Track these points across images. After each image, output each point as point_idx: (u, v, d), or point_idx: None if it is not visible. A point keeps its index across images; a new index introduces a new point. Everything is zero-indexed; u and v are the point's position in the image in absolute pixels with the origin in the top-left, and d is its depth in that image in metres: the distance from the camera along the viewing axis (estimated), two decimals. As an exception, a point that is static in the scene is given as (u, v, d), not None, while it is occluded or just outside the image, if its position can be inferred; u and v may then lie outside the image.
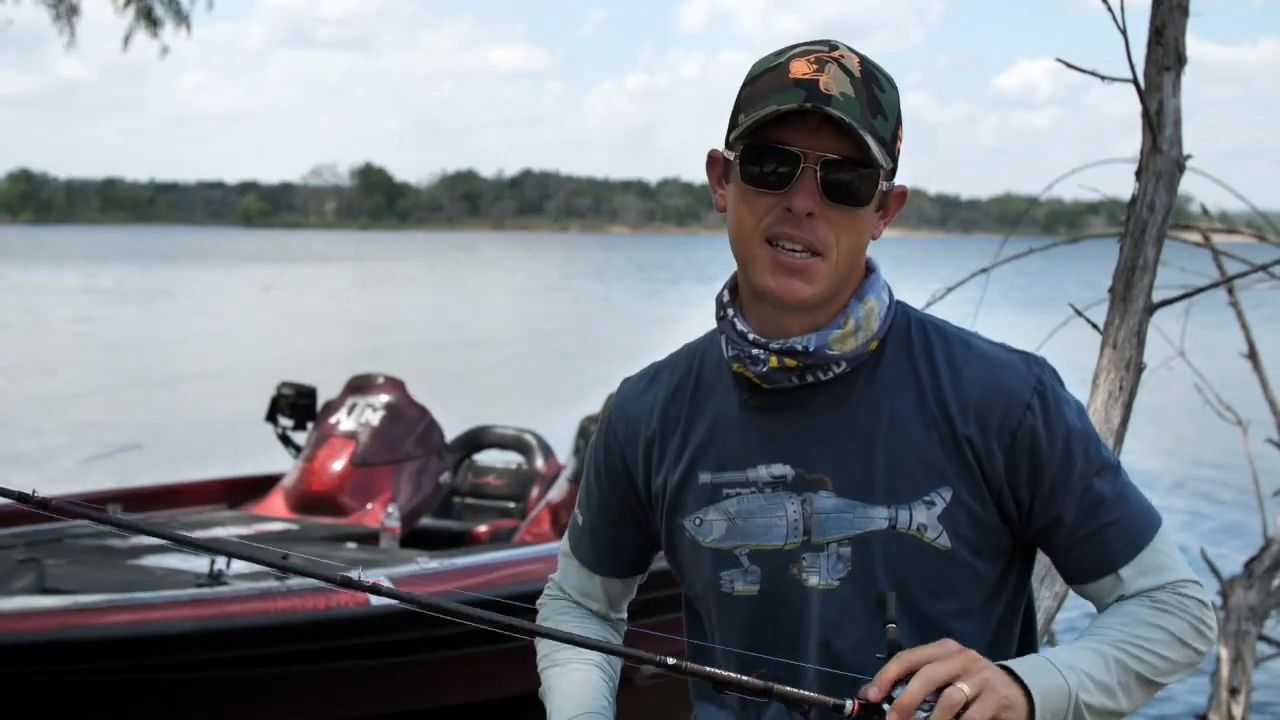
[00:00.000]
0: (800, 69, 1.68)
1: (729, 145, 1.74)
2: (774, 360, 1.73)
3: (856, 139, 1.66)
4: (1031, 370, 1.75)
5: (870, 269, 1.80)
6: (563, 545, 2.05)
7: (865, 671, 1.66)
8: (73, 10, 14.07)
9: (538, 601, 2.06)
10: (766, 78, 1.70)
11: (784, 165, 1.68)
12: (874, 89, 1.69)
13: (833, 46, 1.72)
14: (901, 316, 1.80)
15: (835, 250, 1.70)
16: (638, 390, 1.91)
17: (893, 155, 1.72)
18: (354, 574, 1.76)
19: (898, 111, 1.73)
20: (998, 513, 1.74)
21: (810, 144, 1.67)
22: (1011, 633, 1.82)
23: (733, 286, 1.82)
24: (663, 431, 1.86)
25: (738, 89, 1.75)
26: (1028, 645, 1.85)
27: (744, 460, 1.78)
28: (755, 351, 1.74)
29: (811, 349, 1.73)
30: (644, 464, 1.88)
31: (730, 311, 1.79)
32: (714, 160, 1.79)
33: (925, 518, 1.72)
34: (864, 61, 1.71)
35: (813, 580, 1.75)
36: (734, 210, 1.74)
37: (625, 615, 2.06)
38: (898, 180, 1.77)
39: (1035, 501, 1.73)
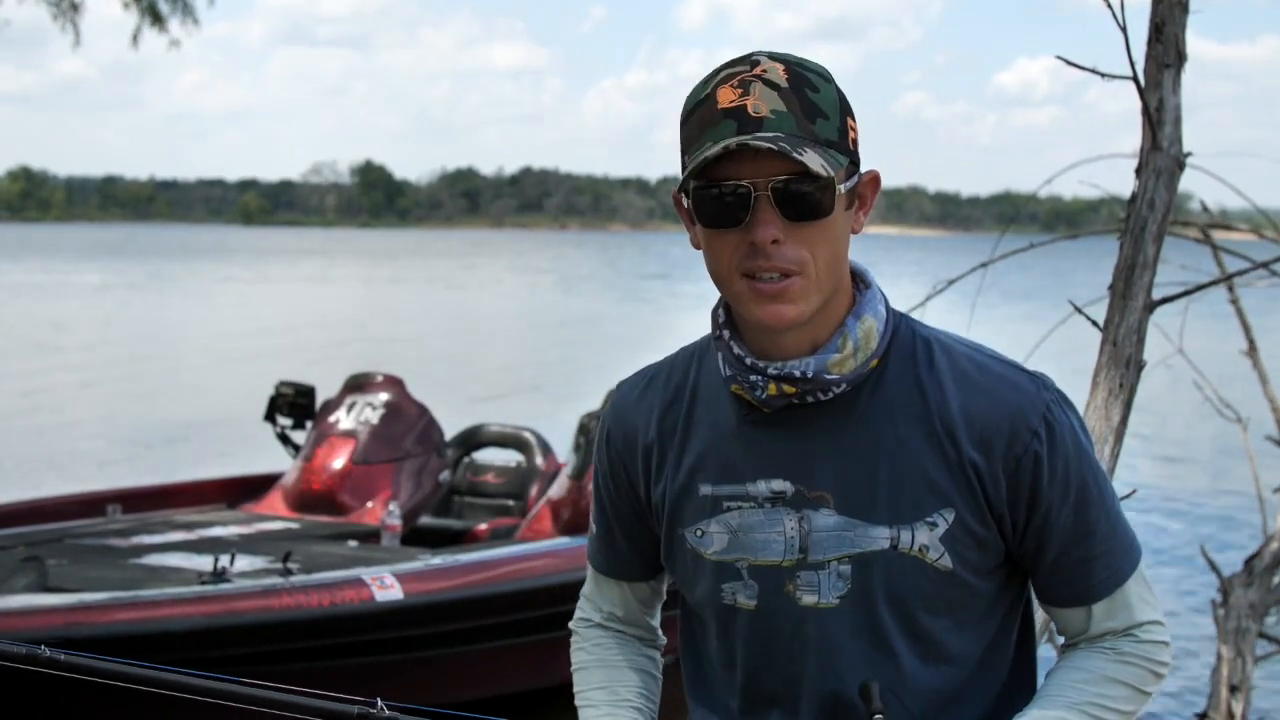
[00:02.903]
0: (726, 97, 1.64)
1: (684, 189, 1.70)
2: (773, 387, 1.71)
3: (795, 161, 1.61)
4: (1041, 395, 1.72)
5: (866, 284, 1.77)
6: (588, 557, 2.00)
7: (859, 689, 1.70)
8: (74, 8, 14.08)
9: (571, 624, 2.01)
10: (698, 113, 1.67)
11: (736, 201, 1.65)
12: (805, 93, 1.65)
13: (754, 62, 1.67)
14: (906, 331, 1.77)
15: (813, 265, 1.66)
16: (633, 396, 1.88)
17: (846, 150, 1.68)
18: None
19: (838, 103, 1.68)
20: (998, 533, 1.73)
21: (755, 172, 1.63)
22: (1009, 640, 1.82)
23: (727, 305, 1.78)
24: (660, 440, 1.83)
25: (679, 126, 1.71)
26: (1025, 651, 1.85)
27: (744, 474, 1.76)
28: (754, 378, 1.72)
29: (810, 374, 1.70)
30: (644, 472, 1.85)
31: (726, 333, 1.76)
32: (678, 201, 1.75)
33: (927, 538, 1.71)
34: (790, 67, 1.66)
35: (808, 599, 1.73)
36: (706, 252, 1.71)
37: (659, 620, 2.01)
38: (867, 165, 1.74)
39: (1030, 526, 1.73)
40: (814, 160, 1.61)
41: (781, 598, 1.74)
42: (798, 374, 1.70)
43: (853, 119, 1.71)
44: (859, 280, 1.77)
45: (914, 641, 1.73)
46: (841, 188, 1.67)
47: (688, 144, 1.68)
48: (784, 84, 1.65)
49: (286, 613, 5.24)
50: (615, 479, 1.88)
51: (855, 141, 1.71)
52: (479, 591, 5.92)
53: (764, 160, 1.63)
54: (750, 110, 1.63)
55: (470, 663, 6.12)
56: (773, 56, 1.67)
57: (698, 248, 1.74)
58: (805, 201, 1.64)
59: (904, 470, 1.71)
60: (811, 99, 1.65)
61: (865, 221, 1.75)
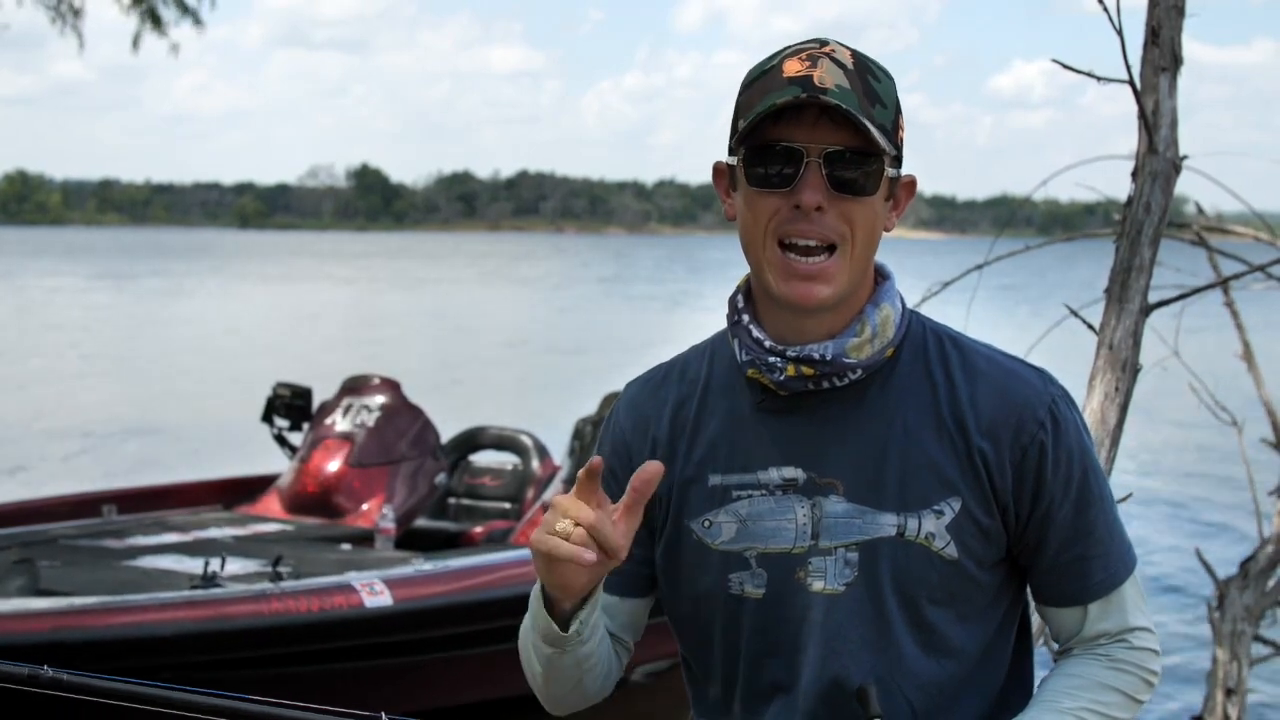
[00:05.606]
0: (793, 67, 1.69)
1: (732, 151, 1.74)
2: (791, 369, 1.73)
3: (856, 126, 1.66)
4: (1048, 389, 1.76)
5: (885, 275, 1.80)
6: None
7: (864, 677, 1.71)
8: (74, 11, 14.06)
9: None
10: (761, 81, 1.71)
11: (788, 163, 1.68)
12: (869, 79, 1.70)
13: (824, 43, 1.73)
14: (918, 325, 1.81)
15: (849, 242, 1.70)
16: (646, 391, 1.88)
17: (895, 143, 1.72)
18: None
19: (895, 100, 1.73)
20: (1001, 524, 1.75)
21: (811, 138, 1.67)
22: (1007, 641, 1.83)
23: (746, 290, 1.81)
24: (672, 432, 1.83)
25: (735, 97, 1.75)
26: (1022, 655, 1.86)
27: (755, 462, 1.77)
28: (772, 360, 1.74)
29: (829, 357, 1.72)
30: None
31: (745, 317, 1.78)
32: (719, 171, 1.79)
33: (934, 527, 1.72)
34: (856, 54, 1.72)
35: (817, 585, 1.74)
36: (743, 215, 1.74)
37: (631, 644, 1.93)
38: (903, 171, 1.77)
39: (1032, 518, 1.75)
40: (875, 131, 1.66)
41: (791, 584, 1.75)
42: (816, 356, 1.72)
43: (903, 119, 1.75)
44: (878, 273, 1.81)
45: (917, 631, 1.74)
46: (889, 171, 1.71)
47: (746, 108, 1.71)
48: (849, 65, 1.70)
49: (275, 618, 5.23)
50: (619, 464, 1.82)
51: (903, 141, 1.75)
52: (469, 598, 5.91)
53: (822, 128, 1.67)
54: (816, 80, 1.67)
55: (460, 668, 6.10)
56: (842, 44, 1.73)
57: (732, 219, 1.77)
58: (853, 174, 1.68)
59: (913, 459, 1.73)
60: (873, 85, 1.70)
61: (896, 223, 1.78)
